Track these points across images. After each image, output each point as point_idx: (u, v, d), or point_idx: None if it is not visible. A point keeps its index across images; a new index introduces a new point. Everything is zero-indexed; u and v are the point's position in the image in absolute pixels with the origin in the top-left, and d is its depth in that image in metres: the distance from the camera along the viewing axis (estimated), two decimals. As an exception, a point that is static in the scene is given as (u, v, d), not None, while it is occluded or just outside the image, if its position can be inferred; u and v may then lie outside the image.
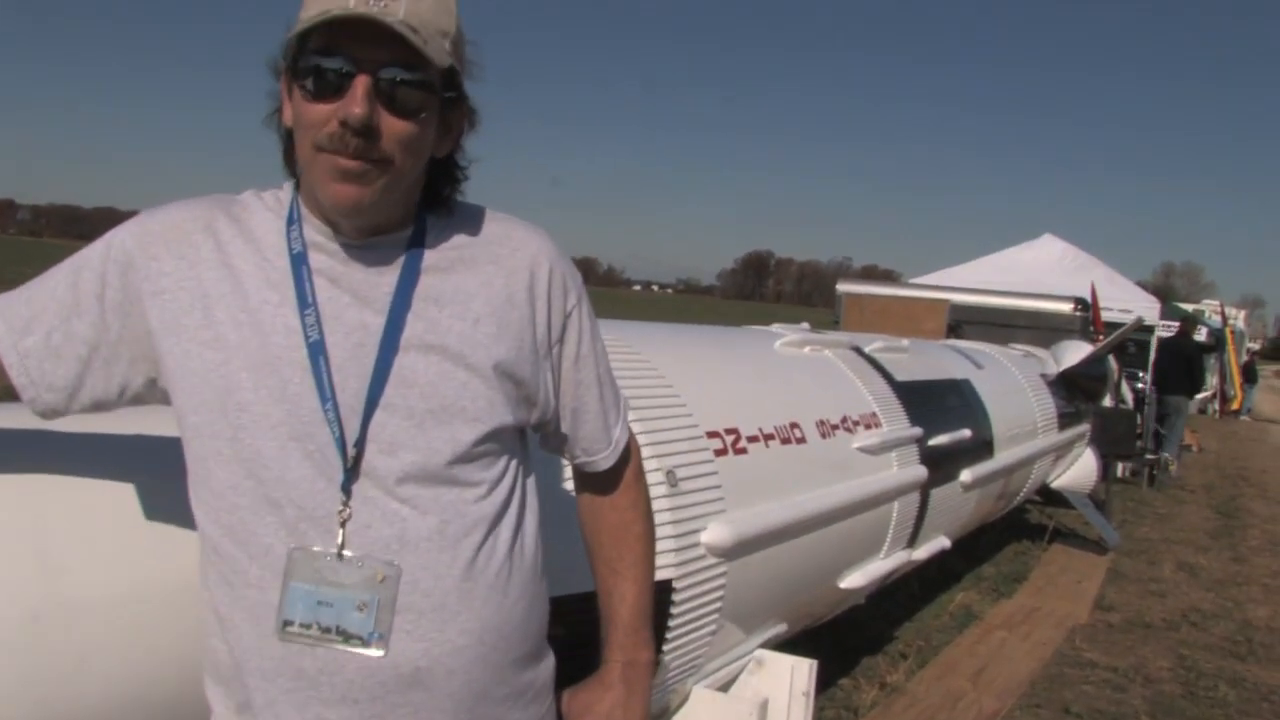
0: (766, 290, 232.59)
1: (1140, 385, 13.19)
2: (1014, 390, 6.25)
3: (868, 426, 3.81)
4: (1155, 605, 6.73)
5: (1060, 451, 7.13)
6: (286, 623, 1.33)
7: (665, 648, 2.56)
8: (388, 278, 1.39)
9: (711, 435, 2.84)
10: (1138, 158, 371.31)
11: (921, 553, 4.42)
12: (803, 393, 3.61)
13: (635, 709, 1.62)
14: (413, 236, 1.42)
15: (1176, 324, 14.87)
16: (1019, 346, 7.87)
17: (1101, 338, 9.10)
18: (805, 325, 4.51)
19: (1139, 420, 11.08)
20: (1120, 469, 11.02)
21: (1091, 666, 5.37)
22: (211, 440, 1.36)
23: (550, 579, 1.58)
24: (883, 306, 9.70)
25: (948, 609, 6.11)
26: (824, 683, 4.01)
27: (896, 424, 4.03)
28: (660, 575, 2.46)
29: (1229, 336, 23.53)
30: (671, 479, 2.57)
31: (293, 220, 1.41)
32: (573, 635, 1.72)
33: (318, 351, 1.34)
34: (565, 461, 1.68)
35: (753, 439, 3.04)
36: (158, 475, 1.63)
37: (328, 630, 1.33)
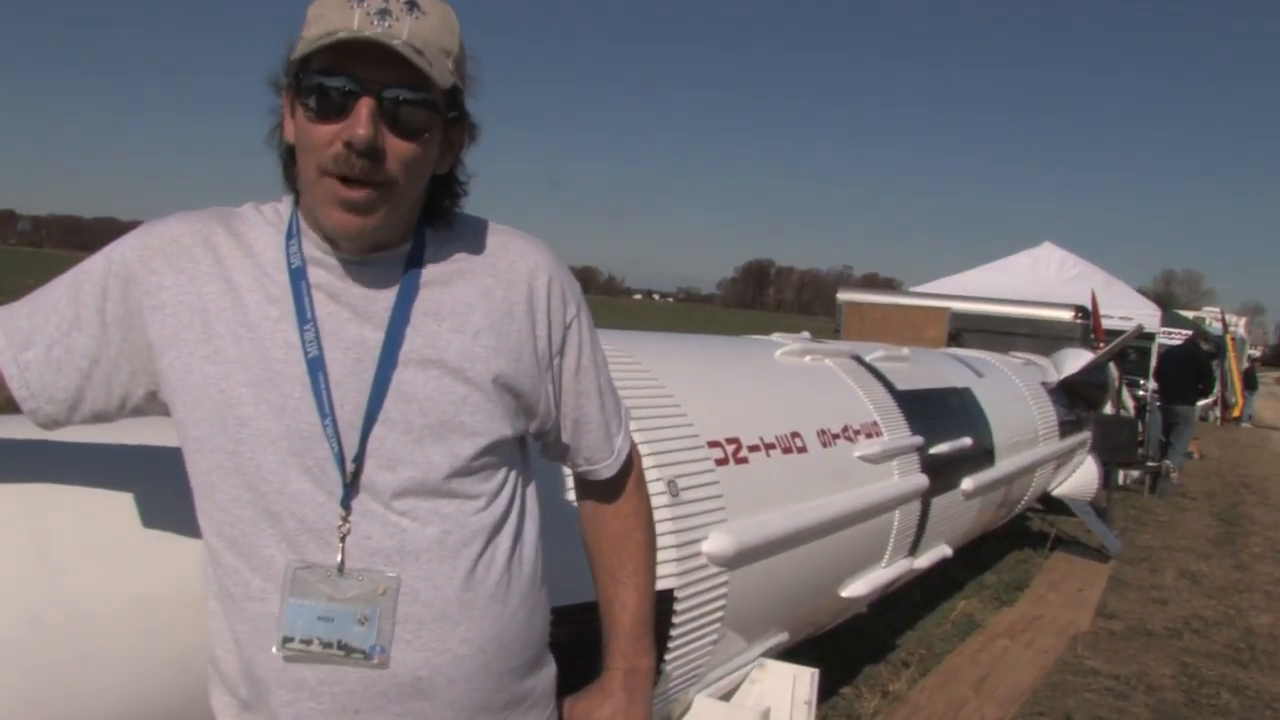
0: (767, 299, 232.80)
1: (1141, 393, 13.19)
2: (1015, 398, 6.25)
3: (869, 435, 3.81)
4: (1157, 613, 6.72)
5: (1061, 459, 7.13)
6: (287, 639, 1.33)
7: (667, 656, 2.56)
8: (386, 293, 1.40)
9: (713, 445, 2.84)
10: (1137, 165, 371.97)
11: (923, 561, 4.42)
12: (804, 402, 3.61)
13: (636, 715, 1.63)
14: (412, 251, 1.43)
15: (1177, 331, 14.87)
16: (1019, 354, 7.88)
17: (1102, 345, 9.09)
18: (806, 334, 4.52)
19: (1140, 428, 11.07)
20: (1122, 476, 11.01)
21: (1094, 674, 5.36)
22: (213, 454, 1.36)
23: (553, 588, 1.58)
24: (883, 315, 9.71)
25: (949, 617, 6.10)
26: (826, 691, 4.01)
27: (897, 433, 4.04)
28: (662, 585, 2.46)
29: (1230, 343, 23.50)
30: (673, 489, 2.57)
31: (292, 235, 1.41)
32: (575, 644, 1.72)
33: (317, 367, 1.35)
34: (567, 471, 1.69)
35: (754, 448, 3.04)
36: (158, 484, 1.63)
37: (329, 645, 1.33)
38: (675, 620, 2.55)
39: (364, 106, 1.28)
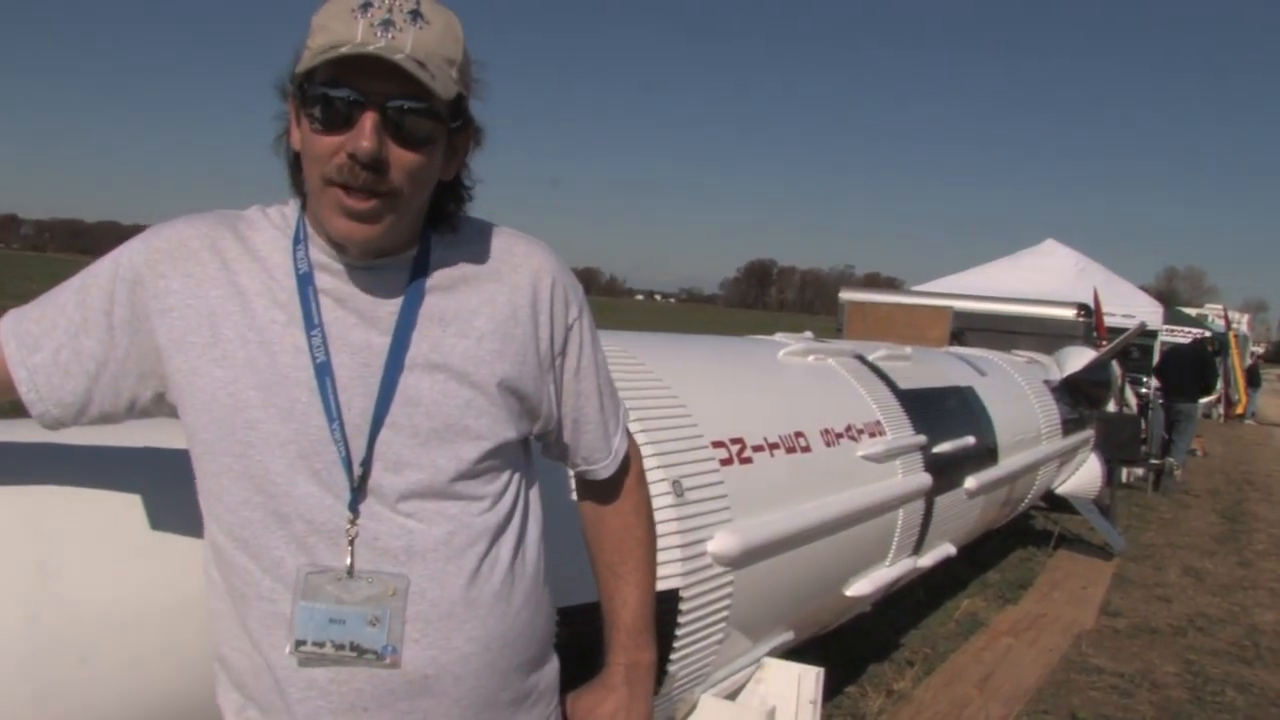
0: (769, 299, 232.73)
1: (1144, 390, 13.18)
2: (1018, 397, 6.25)
3: (872, 435, 3.82)
4: (1161, 610, 6.73)
5: (1064, 457, 7.13)
6: (299, 642, 1.34)
7: (673, 656, 2.57)
8: (393, 298, 1.41)
9: (717, 445, 2.85)
10: (1140, 162, 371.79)
11: (927, 560, 4.43)
12: (807, 402, 3.62)
13: (638, 710, 1.65)
14: (417, 256, 1.44)
15: (1179, 329, 14.85)
16: (1022, 353, 7.88)
17: (1104, 343, 9.09)
18: (808, 334, 4.52)
19: (1143, 425, 11.06)
20: (1125, 474, 11.00)
21: (1098, 672, 5.36)
22: (221, 456, 1.37)
23: (558, 589, 1.59)
24: (886, 314, 9.71)
25: (954, 616, 6.10)
26: (831, 690, 4.01)
27: (900, 432, 4.04)
28: (667, 585, 2.47)
29: (1233, 341, 23.49)
30: (677, 489, 2.58)
31: (299, 240, 1.42)
32: (579, 644, 1.73)
33: (324, 372, 1.36)
34: (570, 473, 1.70)
35: (758, 448, 3.05)
36: (157, 485, 1.64)
37: (341, 647, 1.34)
38: (681, 620, 2.56)
39: (368, 120, 1.29)
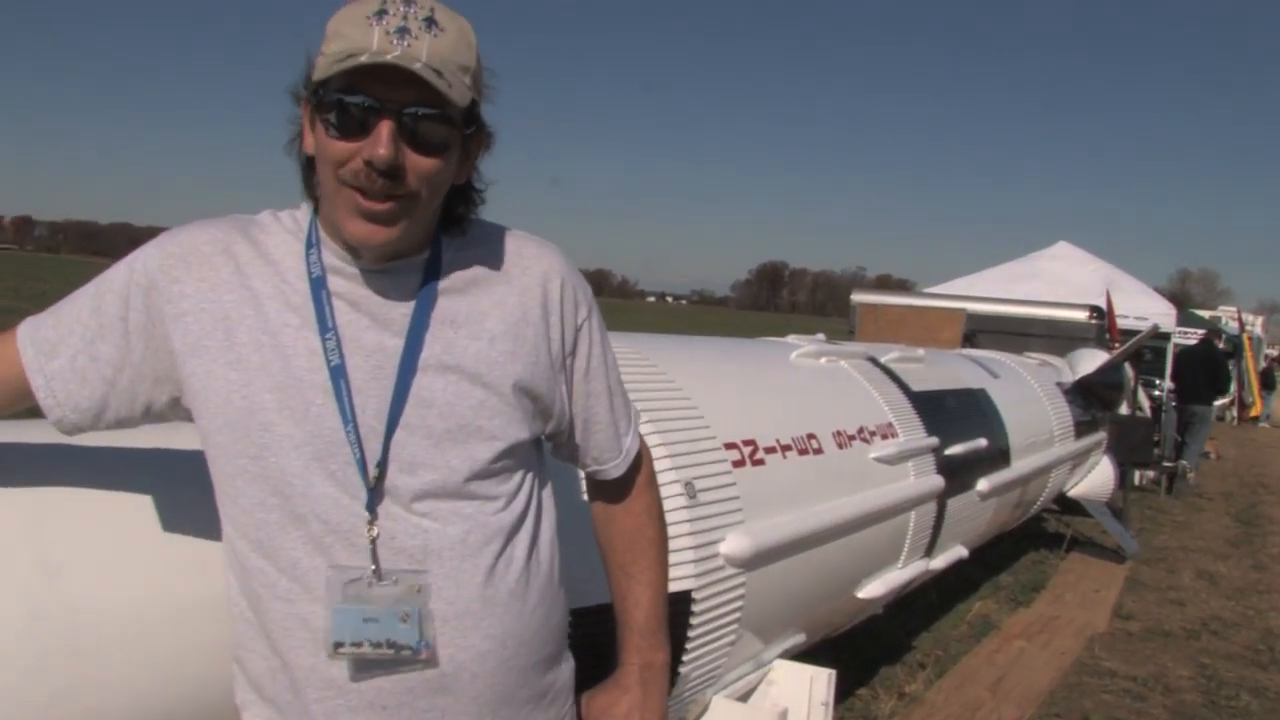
0: (781, 301, 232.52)
1: (1157, 393, 13.12)
2: (1030, 399, 6.24)
3: (884, 437, 3.81)
4: (1175, 614, 6.70)
5: (1077, 460, 7.11)
6: (338, 644, 1.35)
7: (685, 658, 2.57)
8: (405, 301, 1.42)
9: (729, 447, 2.85)
10: (1153, 163, 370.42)
11: (939, 562, 4.42)
12: (819, 403, 3.62)
13: (653, 710, 1.66)
14: (430, 259, 1.45)
15: (1192, 331, 14.78)
16: (1035, 355, 7.85)
17: (1117, 345, 9.06)
18: (821, 336, 4.52)
19: (1156, 428, 11.02)
20: (1138, 477, 10.96)
21: (1111, 676, 5.34)
22: (237, 459, 1.38)
23: (571, 591, 1.60)
24: (898, 316, 9.68)
25: (966, 618, 6.09)
26: (843, 692, 4.01)
27: (913, 434, 4.04)
28: (680, 586, 2.47)
29: (1246, 343, 23.38)
30: (690, 490, 2.58)
31: (311, 244, 1.43)
32: (593, 646, 1.74)
33: (339, 375, 1.37)
34: (582, 474, 1.70)
35: (770, 450, 3.05)
36: (160, 486, 1.65)
37: (379, 645, 1.35)
38: (693, 621, 2.56)
39: (384, 127, 1.29)
